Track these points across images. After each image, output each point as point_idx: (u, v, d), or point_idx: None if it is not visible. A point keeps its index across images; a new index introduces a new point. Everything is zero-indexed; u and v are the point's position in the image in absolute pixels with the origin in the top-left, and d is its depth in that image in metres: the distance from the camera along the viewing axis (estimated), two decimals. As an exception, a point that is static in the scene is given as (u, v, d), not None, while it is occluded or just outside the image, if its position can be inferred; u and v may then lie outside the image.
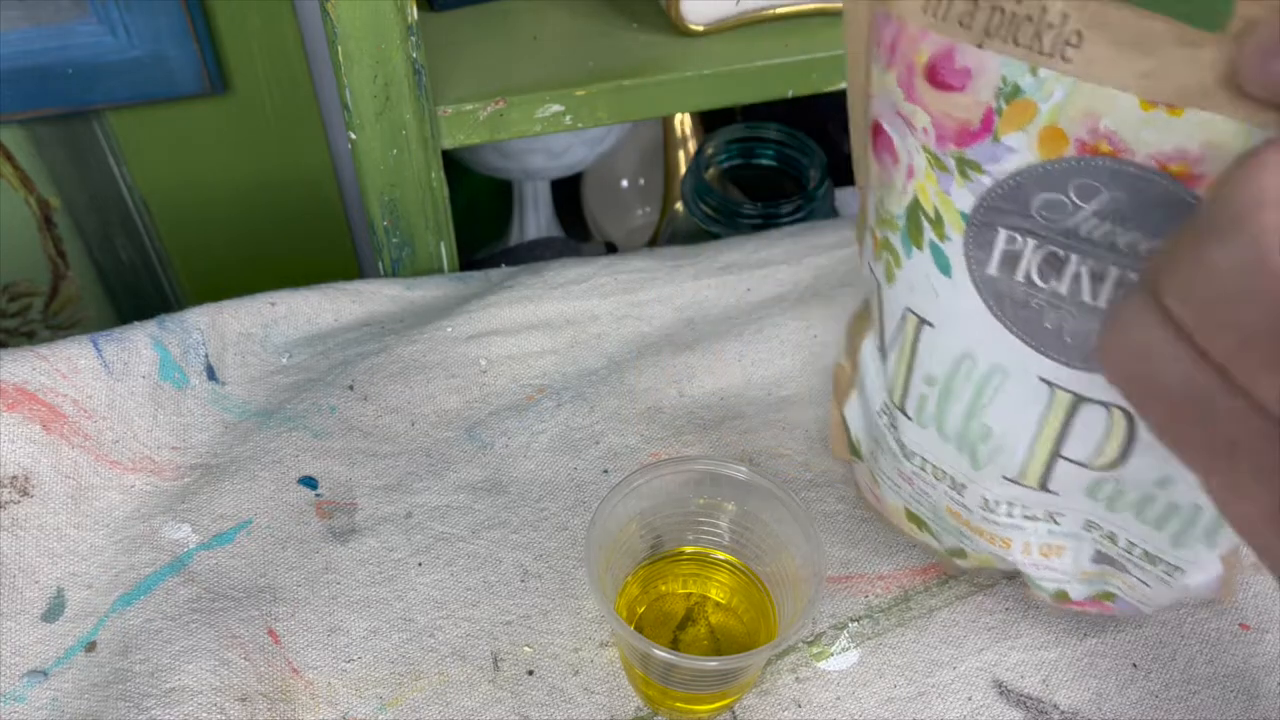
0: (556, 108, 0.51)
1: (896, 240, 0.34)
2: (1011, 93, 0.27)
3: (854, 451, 0.42)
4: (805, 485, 0.45)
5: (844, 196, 0.71)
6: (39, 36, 0.63)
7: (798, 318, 0.52)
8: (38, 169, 0.71)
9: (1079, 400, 0.31)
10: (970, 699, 0.39)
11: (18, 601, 0.41)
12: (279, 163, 0.76)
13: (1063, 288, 0.29)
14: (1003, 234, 0.29)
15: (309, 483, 0.45)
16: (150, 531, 0.43)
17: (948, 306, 0.32)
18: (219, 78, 0.68)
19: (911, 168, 0.32)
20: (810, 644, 0.40)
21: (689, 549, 0.41)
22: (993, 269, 0.30)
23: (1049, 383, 0.31)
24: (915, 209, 0.32)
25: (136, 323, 0.48)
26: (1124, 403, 0.28)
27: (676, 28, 0.53)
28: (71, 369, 0.46)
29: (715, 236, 0.61)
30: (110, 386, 0.46)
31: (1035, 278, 0.29)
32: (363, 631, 0.41)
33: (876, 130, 0.33)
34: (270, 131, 0.74)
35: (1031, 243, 0.29)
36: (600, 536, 0.37)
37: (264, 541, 0.43)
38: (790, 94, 0.54)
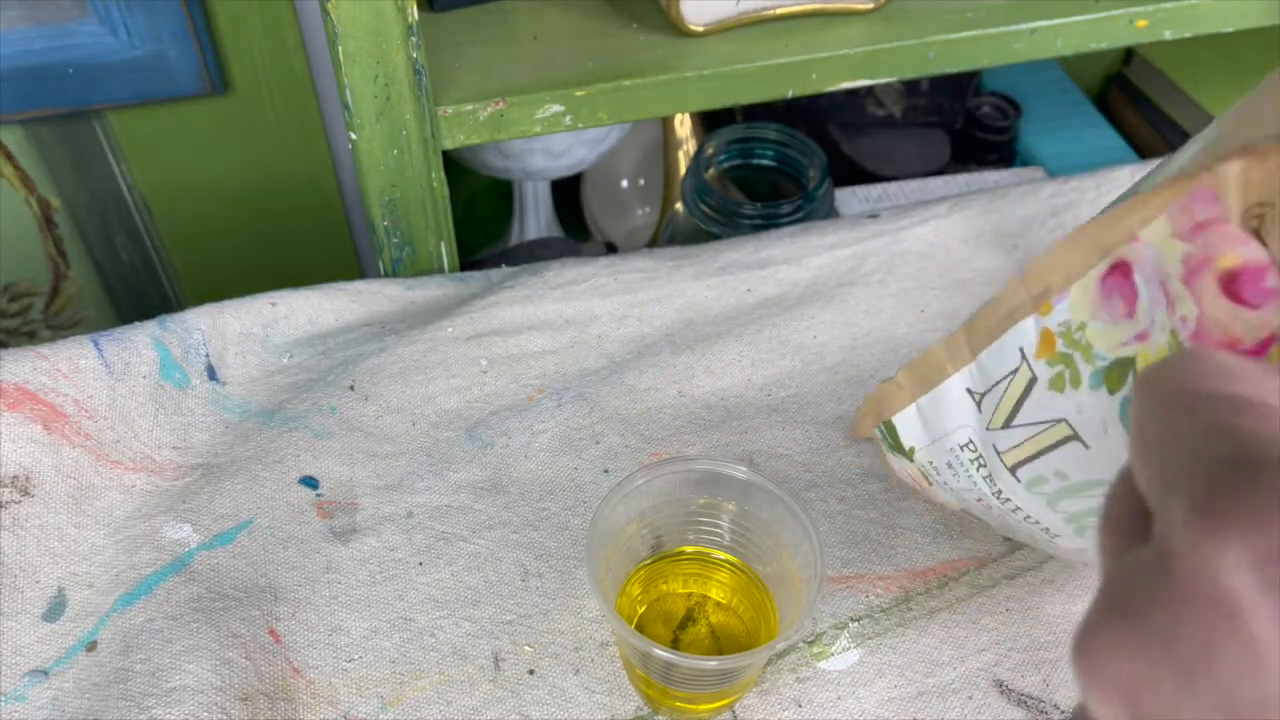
0: (556, 108, 0.51)
1: (1085, 370, 0.31)
2: None
3: (898, 449, 0.41)
4: (805, 485, 0.45)
5: (843, 196, 0.70)
6: (39, 36, 0.63)
7: (798, 318, 0.52)
8: (38, 169, 0.71)
9: None
10: (971, 699, 0.39)
11: (18, 601, 0.41)
12: (279, 163, 0.76)
13: None
14: None
15: (310, 483, 0.45)
16: (151, 531, 0.43)
17: (1114, 448, 0.31)
18: (219, 78, 0.68)
19: (1146, 333, 0.29)
20: (811, 644, 0.40)
21: (689, 549, 0.41)
22: None
23: None
24: (1128, 365, 0.30)
25: (137, 323, 0.48)
26: None
27: (676, 28, 0.53)
28: (72, 369, 0.46)
29: (715, 236, 0.61)
30: (111, 386, 0.46)
31: None
32: (363, 631, 0.41)
33: (1121, 270, 0.29)
34: (270, 131, 0.74)
35: None
36: (601, 536, 0.37)
37: (265, 541, 0.43)
38: (790, 94, 0.54)
